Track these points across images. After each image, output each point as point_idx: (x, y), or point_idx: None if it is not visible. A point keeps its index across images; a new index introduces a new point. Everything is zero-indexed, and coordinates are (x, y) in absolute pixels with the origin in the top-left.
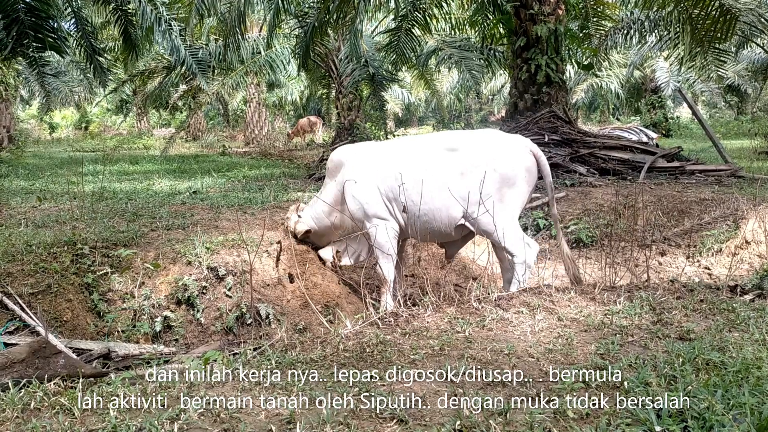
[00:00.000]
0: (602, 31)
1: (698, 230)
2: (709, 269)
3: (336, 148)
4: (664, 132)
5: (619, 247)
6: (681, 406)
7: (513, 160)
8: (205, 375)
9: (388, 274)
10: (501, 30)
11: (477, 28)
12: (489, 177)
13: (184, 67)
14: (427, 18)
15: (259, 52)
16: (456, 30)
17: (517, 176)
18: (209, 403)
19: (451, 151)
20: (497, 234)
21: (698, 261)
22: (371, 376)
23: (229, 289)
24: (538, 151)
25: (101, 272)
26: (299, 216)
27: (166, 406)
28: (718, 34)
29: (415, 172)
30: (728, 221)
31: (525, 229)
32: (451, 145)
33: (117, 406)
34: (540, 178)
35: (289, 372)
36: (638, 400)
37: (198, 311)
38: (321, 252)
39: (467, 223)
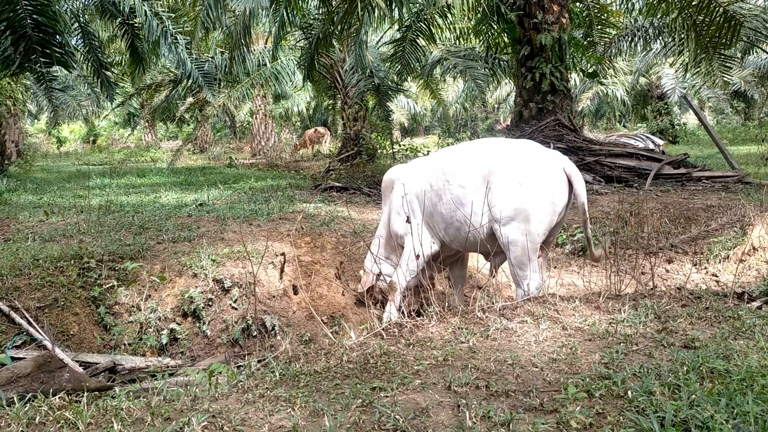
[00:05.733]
0: (606, 39)
1: (705, 237)
2: (716, 276)
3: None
4: (670, 139)
5: (625, 255)
6: (685, 416)
7: (539, 177)
8: (210, 388)
9: (402, 281)
10: (505, 39)
11: (481, 38)
12: (514, 191)
13: (190, 80)
14: (432, 28)
15: (265, 64)
16: (460, 39)
17: (540, 195)
18: (213, 417)
19: (482, 158)
20: (511, 253)
21: (705, 268)
22: (375, 388)
23: (235, 301)
24: (573, 173)
25: (108, 285)
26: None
27: (170, 420)
28: (723, 40)
29: (446, 180)
30: (735, 228)
31: None
32: (484, 152)
33: (121, 420)
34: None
35: (293, 384)
36: (642, 409)
37: (204, 323)
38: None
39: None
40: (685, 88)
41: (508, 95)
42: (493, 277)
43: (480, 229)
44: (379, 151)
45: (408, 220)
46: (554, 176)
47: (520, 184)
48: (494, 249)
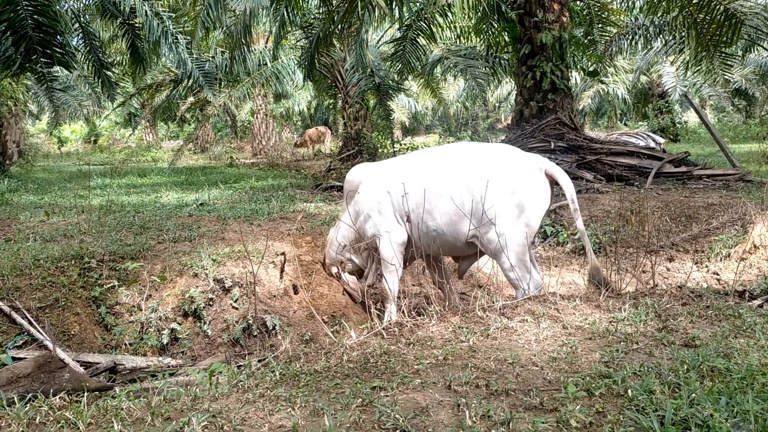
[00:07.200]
0: (607, 37)
1: (706, 235)
2: (717, 274)
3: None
4: (672, 137)
5: (626, 254)
6: (685, 414)
7: (523, 180)
8: (210, 388)
9: (392, 286)
10: (506, 38)
11: (482, 37)
12: (497, 195)
13: (191, 80)
14: (432, 27)
15: (266, 64)
16: (461, 38)
17: (526, 198)
18: (213, 416)
19: (461, 164)
20: (503, 258)
21: (706, 266)
22: (375, 387)
23: (236, 301)
24: (555, 171)
25: (108, 285)
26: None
27: (170, 420)
28: (724, 38)
29: (423, 185)
30: (736, 226)
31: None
32: (462, 158)
33: (121, 420)
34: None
35: (293, 384)
36: (642, 408)
37: (205, 323)
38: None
39: (476, 241)
40: (686, 86)
41: (509, 94)
42: (460, 278)
43: (459, 237)
44: (380, 150)
45: (408, 219)
46: (539, 178)
47: (509, 188)
48: (466, 253)
